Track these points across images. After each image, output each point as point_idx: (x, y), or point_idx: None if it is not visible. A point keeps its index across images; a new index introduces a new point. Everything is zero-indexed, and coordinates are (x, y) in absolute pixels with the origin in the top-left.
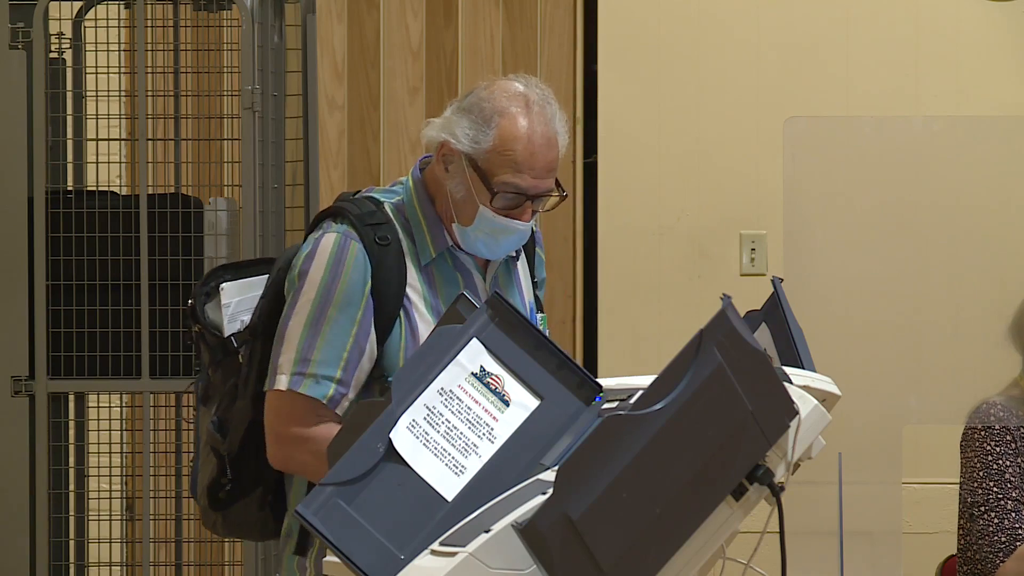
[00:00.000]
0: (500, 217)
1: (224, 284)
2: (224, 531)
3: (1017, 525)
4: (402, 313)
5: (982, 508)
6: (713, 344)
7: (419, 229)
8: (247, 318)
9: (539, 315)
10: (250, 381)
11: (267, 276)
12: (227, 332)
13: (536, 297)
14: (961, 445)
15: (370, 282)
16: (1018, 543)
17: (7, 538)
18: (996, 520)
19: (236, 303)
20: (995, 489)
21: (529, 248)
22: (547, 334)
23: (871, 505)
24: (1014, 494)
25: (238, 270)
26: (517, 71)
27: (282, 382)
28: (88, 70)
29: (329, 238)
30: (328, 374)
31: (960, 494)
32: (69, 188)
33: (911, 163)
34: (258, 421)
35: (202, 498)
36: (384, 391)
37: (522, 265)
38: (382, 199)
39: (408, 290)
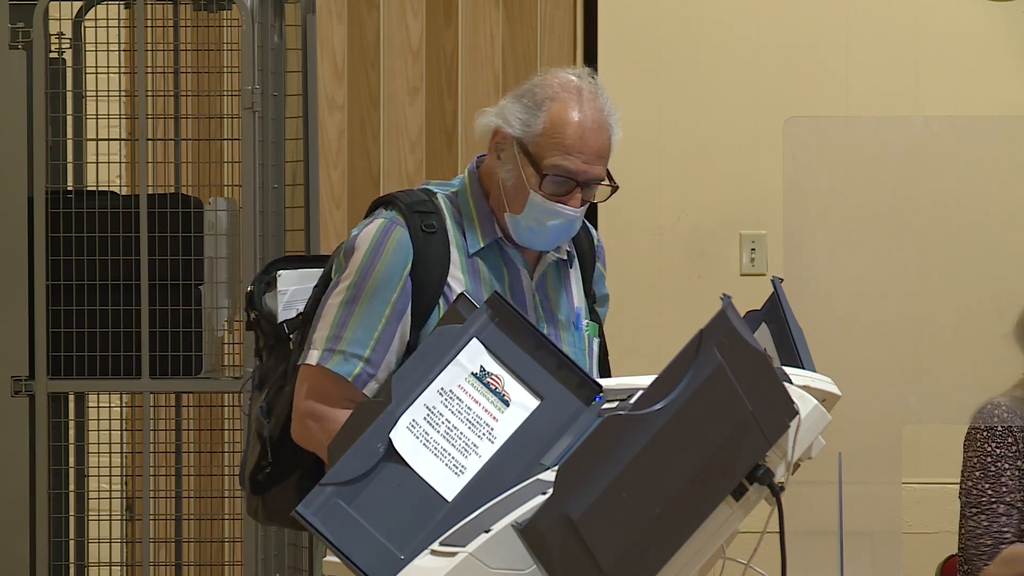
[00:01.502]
0: (549, 202)
1: (282, 272)
2: (264, 517)
3: (1005, 529)
4: (441, 301)
5: (974, 509)
6: (713, 344)
7: (470, 219)
8: (302, 307)
9: (584, 321)
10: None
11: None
12: (281, 318)
13: (593, 311)
14: (964, 444)
15: (410, 266)
16: (1003, 547)
17: (7, 538)
18: (985, 523)
19: (292, 291)
20: (989, 491)
21: (588, 260)
22: (595, 344)
23: (871, 505)
24: (1008, 498)
25: (296, 263)
26: (517, 71)
27: (313, 357)
28: (88, 70)
29: (376, 223)
30: (357, 352)
31: (959, 494)
32: (69, 188)
33: (911, 163)
34: None
35: (246, 484)
36: None
37: (575, 273)
38: (436, 190)
39: (450, 279)
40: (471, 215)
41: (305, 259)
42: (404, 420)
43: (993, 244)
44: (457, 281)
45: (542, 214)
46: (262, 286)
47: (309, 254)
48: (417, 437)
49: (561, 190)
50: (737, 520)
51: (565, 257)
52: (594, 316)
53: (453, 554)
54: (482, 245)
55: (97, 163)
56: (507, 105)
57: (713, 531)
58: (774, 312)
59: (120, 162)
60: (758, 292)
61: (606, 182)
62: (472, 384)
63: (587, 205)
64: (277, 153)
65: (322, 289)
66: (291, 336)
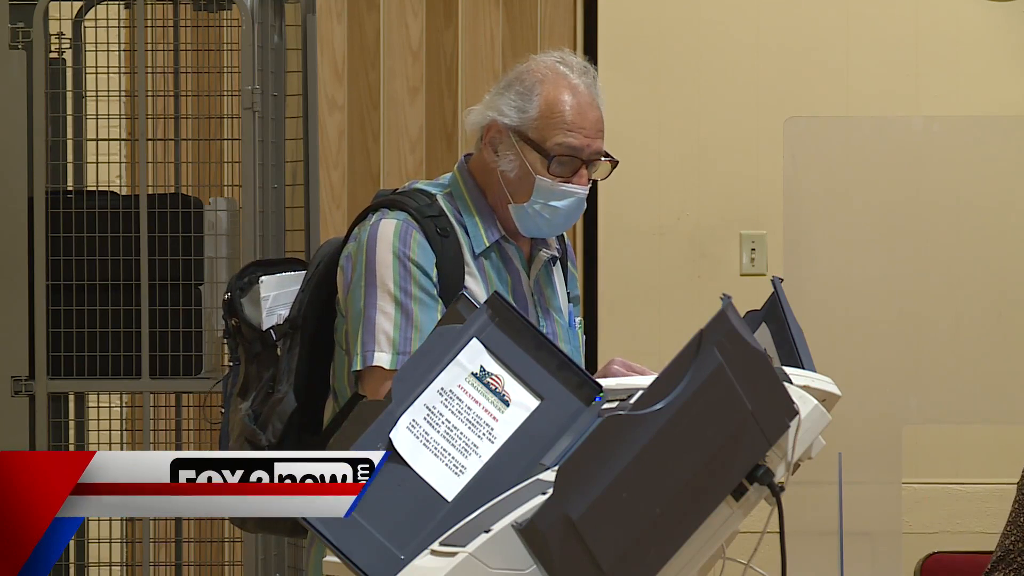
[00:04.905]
0: (557, 184)
1: (263, 277)
2: (255, 525)
3: None
4: None
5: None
6: (713, 344)
7: (471, 219)
8: (284, 312)
9: (577, 319)
10: (292, 373)
11: (303, 272)
12: (265, 325)
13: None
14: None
15: (435, 270)
16: None
17: None
18: None
19: (274, 297)
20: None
21: (563, 260)
22: (582, 340)
23: (871, 505)
24: None
25: (270, 267)
26: None
27: (384, 360)
28: (88, 70)
29: (389, 224)
30: None
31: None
32: (69, 188)
33: (911, 163)
34: (299, 412)
35: None
36: None
37: (557, 272)
38: (432, 191)
39: (467, 279)
40: (472, 214)
41: (280, 263)
42: (404, 420)
43: (993, 244)
44: (474, 280)
45: (551, 197)
46: (239, 292)
47: (280, 257)
48: (417, 437)
49: (567, 170)
50: (737, 520)
51: (556, 254)
52: (569, 319)
53: (453, 554)
54: (487, 244)
55: (97, 163)
56: (497, 97)
57: (713, 531)
58: (774, 312)
59: (120, 162)
60: (758, 292)
61: (606, 157)
62: (472, 384)
63: (590, 184)
64: (277, 153)
65: (310, 294)
66: (277, 343)
